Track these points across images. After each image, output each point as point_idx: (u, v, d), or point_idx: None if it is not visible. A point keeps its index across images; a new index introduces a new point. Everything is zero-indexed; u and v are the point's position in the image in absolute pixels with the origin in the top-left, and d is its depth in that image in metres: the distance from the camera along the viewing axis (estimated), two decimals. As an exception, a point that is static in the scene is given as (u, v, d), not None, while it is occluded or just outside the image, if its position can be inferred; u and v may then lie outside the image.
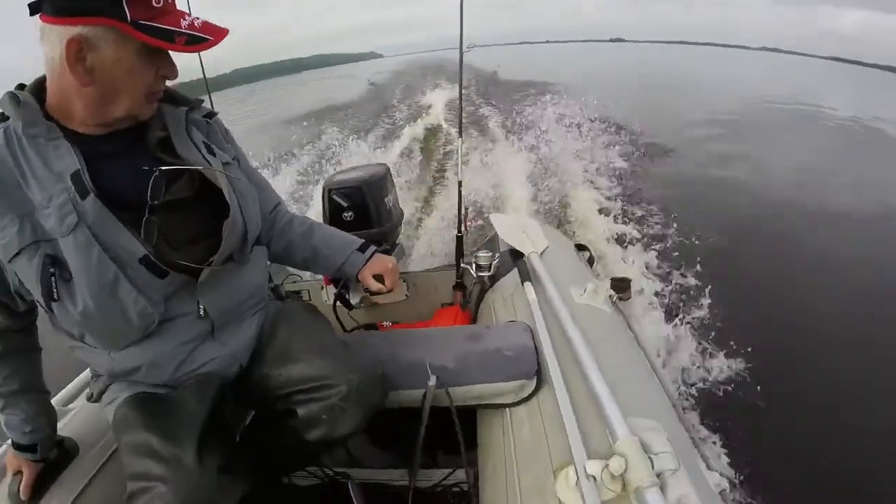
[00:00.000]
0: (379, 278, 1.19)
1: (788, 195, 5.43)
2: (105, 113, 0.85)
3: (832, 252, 3.98)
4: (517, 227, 1.90)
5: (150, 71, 0.84)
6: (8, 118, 0.84)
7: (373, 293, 2.06)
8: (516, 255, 1.72)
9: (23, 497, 0.99)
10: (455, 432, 1.09)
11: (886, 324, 2.96)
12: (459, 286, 1.91)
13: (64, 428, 1.13)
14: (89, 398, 1.08)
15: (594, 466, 0.76)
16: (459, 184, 2.01)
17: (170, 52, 0.84)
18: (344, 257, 1.19)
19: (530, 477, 0.90)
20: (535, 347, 1.13)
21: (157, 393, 0.97)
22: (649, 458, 0.75)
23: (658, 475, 0.73)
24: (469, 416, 1.19)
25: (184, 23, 0.81)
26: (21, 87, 0.86)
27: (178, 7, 0.84)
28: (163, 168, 0.88)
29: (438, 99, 11.39)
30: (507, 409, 1.09)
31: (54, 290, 0.82)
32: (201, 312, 0.94)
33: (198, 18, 0.82)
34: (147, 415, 0.92)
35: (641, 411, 0.87)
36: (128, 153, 0.89)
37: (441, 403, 1.11)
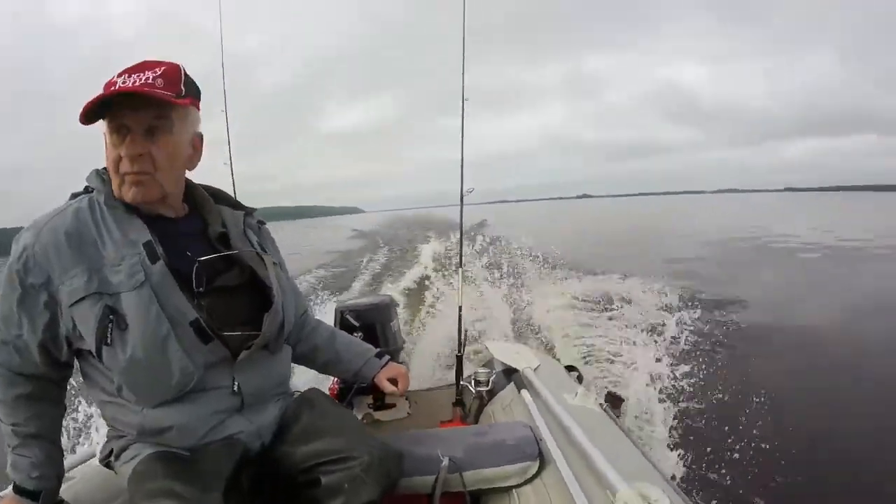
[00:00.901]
0: (393, 382, 1.33)
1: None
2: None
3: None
4: (511, 350, 2.11)
5: (115, 150, 0.96)
6: (91, 191, 1.02)
7: (378, 404, 2.18)
8: (511, 372, 1.89)
9: None
10: None
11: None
12: (459, 403, 2.00)
13: (64, 492, 1.11)
14: (102, 459, 1.09)
15: (598, 516, 0.88)
16: (460, 308, 2.24)
17: (130, 137, 0.95)
18: (363, 361, 1.34)
19: None
20: (535, 437, 1.26)
21: (182, 454, 0.99)
22: (647, 505, 0.87)
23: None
24: None
25: (120, 83, 0.93)
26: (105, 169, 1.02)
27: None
28: (201, 259, 1.01)
29: (427, 250, 12.09)
30: (514, 490, 1.18)
31: (108, 335, 0.92)
32: (235, 388, 1.02)
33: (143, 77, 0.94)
34: (170, 468, 0.94)
35: (638, 478, 1.00)
36: (190, 237, 1.06)
37: (451, 488, 1.19)
